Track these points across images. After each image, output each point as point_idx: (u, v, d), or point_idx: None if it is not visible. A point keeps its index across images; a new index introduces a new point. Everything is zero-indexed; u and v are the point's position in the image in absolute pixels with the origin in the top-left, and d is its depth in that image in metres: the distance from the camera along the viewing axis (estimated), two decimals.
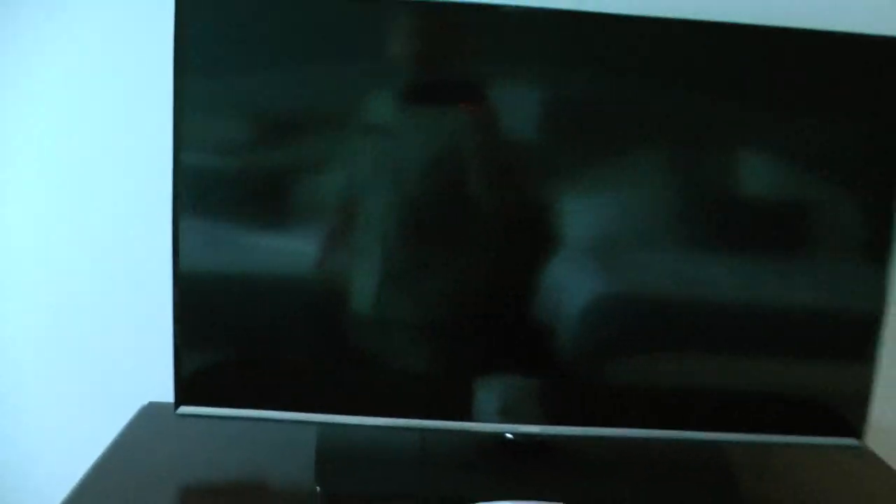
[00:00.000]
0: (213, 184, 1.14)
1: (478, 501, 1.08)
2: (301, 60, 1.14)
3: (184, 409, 1.17)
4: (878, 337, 1.22)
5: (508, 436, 1.23)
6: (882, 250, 1.20)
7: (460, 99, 1.16)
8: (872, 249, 1.21)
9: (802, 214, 1.24)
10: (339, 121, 1.15)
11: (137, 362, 1.43)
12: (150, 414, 1.36)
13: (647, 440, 1.24)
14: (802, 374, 1.25)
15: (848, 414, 1.24)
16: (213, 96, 1.13)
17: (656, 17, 1.13)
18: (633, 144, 1.19)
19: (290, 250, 1.17)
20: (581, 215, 1.19)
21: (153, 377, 1.36)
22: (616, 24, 1.14)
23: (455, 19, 1.14)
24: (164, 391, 1.28)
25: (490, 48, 1.15)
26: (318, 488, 1.14)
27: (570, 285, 1.18)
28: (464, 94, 1.16)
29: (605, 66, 1.16)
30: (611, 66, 1.16)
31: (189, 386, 1.17)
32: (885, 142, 1.19)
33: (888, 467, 1.35)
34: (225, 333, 1.19)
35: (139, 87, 1.34)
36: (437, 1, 1.14)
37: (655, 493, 1.20)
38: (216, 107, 1.13)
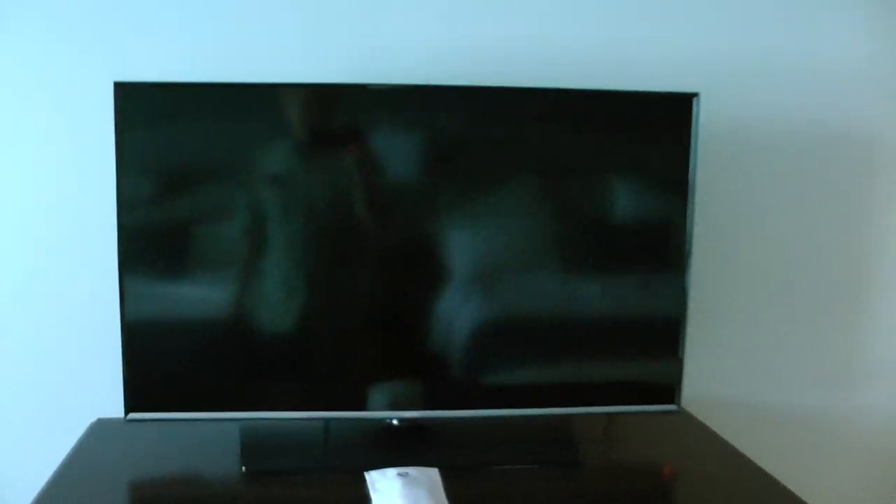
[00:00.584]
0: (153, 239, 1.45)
1: (369, 470, 1.38)
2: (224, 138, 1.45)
3: (133, 416, 1.45)
4: (684, 327, 1.56)
5: (394, 422, 1.53)
6: (682, 267, 1.54)
7: (344, 143, 1.48)
8: (676, 267, 1.54)
9: (624, 244, 1.57)
10: (245, 177, 1.46)
11: (84, 386, 1.70)
12: (100, 426, 1.63)
13: (506, 418, 1.56)
14: (632, 358, 1.58)
15: (667, 386, 1.57)
16: (148, 168, 1.43)
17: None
18: (495, 186, 1.51)
19: (214, 283, 1.47)
20: (460, 242, 1.51)
21: (98, 398, 1.62)
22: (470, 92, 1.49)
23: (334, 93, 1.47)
24: (108, 408, 1.57)
25: (366, 108, 1.48)
26: (243, 468, 1.43)
27: (452, 308, 1.50)
28: (346, 139, 1.48)
29: (469, 120, 1.49)
30: (475, 119, 1.49)
31: (135, 398, 1.45)
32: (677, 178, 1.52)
33: (703, 425, 1.69)
34: (163, 355, 1.47)
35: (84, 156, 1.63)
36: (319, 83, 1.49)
37: (512, 459, 1.50)
38: (152, 175, 1.44)
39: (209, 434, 1.58)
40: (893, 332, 1.93)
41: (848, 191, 1.87)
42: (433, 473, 1.36)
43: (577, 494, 1.43)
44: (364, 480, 1.35)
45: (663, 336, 1.57)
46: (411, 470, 1.36)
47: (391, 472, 1.35)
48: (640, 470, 1.57)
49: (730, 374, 1.88)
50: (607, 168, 1.54)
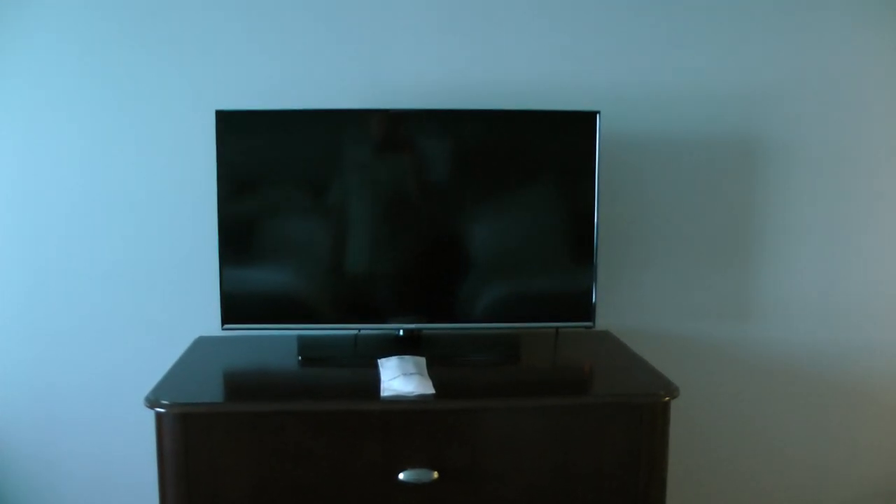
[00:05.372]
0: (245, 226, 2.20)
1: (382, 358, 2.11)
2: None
3: (227, 326, 2.22)
4: (595, 265, 2.25)
5: (400, 332, 2.29)
6: (590, 233, 2.25)
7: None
8: (586, 232, 2.22)
9: (552, 220, 2.27)
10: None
11: (188, 312, 2.48)
12: (201, 341, 2.39)
13: (473, 330, 2.31)
14: (559, 290, 2.29)
15: (583, 307, 2.26)
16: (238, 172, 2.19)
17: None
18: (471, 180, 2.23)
19: (299, 235, 2.21)
20: (457, 222, 2.24)
21: (200, 321, 2.42)
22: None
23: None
24: (208, 329, 2.34)
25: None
26: (299, 358, 2.20)
27: (445, 263, 2.24)
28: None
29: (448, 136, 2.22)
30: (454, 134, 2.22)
31: (228, 315, 2.19)
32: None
33: (620, 342, 2.39)
34: (250, 286, 2.23)
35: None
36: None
37: (473, 354, 2.21)
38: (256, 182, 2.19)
39: (277, 342, 2.34)
40: (770, 281, 2.60)
41: (726, 175, 2.55)
42: (421, 359, 2.08)
43: (513, 378, 2.13)
44: (377, 365, 2.05)
45: (582, 275, 2.24)
46: (406, 356, 2.09)
47: (394, 357, 2.08)
48: (562, 366, 2.28)
49: (645, 308, 2.59)
50: (535, 163, 2.23)
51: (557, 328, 2.37)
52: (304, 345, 2.26)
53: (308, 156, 2.21)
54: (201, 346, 2.35)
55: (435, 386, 1.92)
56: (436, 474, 1.87)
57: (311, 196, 2.22)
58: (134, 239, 2.45)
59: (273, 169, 2.20)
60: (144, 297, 2.47)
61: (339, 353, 2.23)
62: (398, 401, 1.87)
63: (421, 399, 1.88)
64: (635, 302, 2.58)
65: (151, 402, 1.85)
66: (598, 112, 2.18)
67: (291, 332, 2.32)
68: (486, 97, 2.39)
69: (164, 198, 2.43)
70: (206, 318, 2.36)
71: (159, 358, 2.21)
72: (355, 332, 2.31)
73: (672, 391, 1.92)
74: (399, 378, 1.93)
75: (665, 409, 1.92)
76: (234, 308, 2.20)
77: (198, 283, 2.42)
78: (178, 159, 2.41)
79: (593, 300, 2.25)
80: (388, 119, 2.20)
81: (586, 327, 2.27)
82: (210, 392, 2.03)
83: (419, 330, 2.29)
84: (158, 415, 1.85)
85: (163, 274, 2.46)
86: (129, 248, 2.45)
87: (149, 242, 2.45)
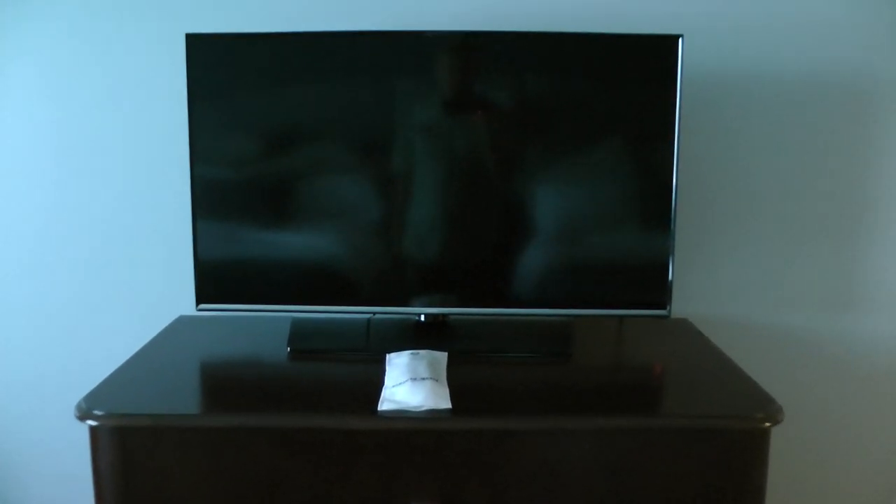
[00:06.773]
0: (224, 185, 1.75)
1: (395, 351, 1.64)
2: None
3: (203, 307, 1.77)
4: (673, 240, 1.75)
5: (421, 318, 1.81)
6: (669, 191, 1.73)
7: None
8: (664, 191, 1.73)
9: (621, 171, 1.77)
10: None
11: (169, 291, 2.06)
12: (181, 321, 1.97)
13: (513, 317, 1.81)
14: (628, 269, 1.79)
15: (656, 289, 1.76)
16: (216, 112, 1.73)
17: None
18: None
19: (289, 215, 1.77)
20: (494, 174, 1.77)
21: (183, 296, 1.95)
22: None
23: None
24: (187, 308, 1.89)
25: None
26: (288, 349, 1.74)
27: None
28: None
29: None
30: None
31: (205, 294, 1.77)
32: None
33: (700, 333, 1.91)
34: (233, 256, 1.78)
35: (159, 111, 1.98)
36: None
37: (509, 349, 1.74)
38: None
39: (269, 323, 1.91)
40: (890, 262, 2.07)
41: (835, 128, 2.02)
42: (440, 355, 1.62)
43: (557, 385, 1.62)
44: (384, 362, 1.61)
45: (655, 250, 1.75)
46: (422, 351, 1.63)
47: (406, 353, 1.63)
48: (624, 367, 1.79)
49: (731, 293, 2.08)
50: (600, 105, 1.75)
51: (622, 316, 1.87)
52: (299, 331, 1.80)
53: (305, 92, 1.74)
54: (178, 328, 1.93)
55: (453, 395, 1.46)
56: None
57: (310, 144, 1.76)
58: (108, 199, 2.06)
59: (260, 108, 1.75)
60: (121, 268, 2.09)
61: (339, 344, 1.78)
62: (400, 417, 1.42)
63: (431, 416, 1.42)
64: (720, 285, 2.07)
65: (83, 412, 1.44)
66: (681, 36, 1.69)
67: (288, 313, 1.84)
68: (542, 21, 1.88)
69: (143, 150, 2.04)
70: (190, 292, 1.85)
71: (137, 340, 1.83)
72: (369, 315, 1.82)
73: (774, 413, 1.42)
74: (406, 384, 1.47)
75: (763, 437, 1.42)
76: (213, 284, 1.78)
77: (182, 253, 1.93)
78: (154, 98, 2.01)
79: (669, 279, 1.75)
80: (405, 44, 1.72)
81: (660, 317, 1.75)
82: (161, 397, 1.56)
83: (444, 315, 1.81)
84: (92, 428, 1.43)
85: (143, 242, 2.07)
86: (99, 209, 2.06)
87: (125, 204, 2.05)
